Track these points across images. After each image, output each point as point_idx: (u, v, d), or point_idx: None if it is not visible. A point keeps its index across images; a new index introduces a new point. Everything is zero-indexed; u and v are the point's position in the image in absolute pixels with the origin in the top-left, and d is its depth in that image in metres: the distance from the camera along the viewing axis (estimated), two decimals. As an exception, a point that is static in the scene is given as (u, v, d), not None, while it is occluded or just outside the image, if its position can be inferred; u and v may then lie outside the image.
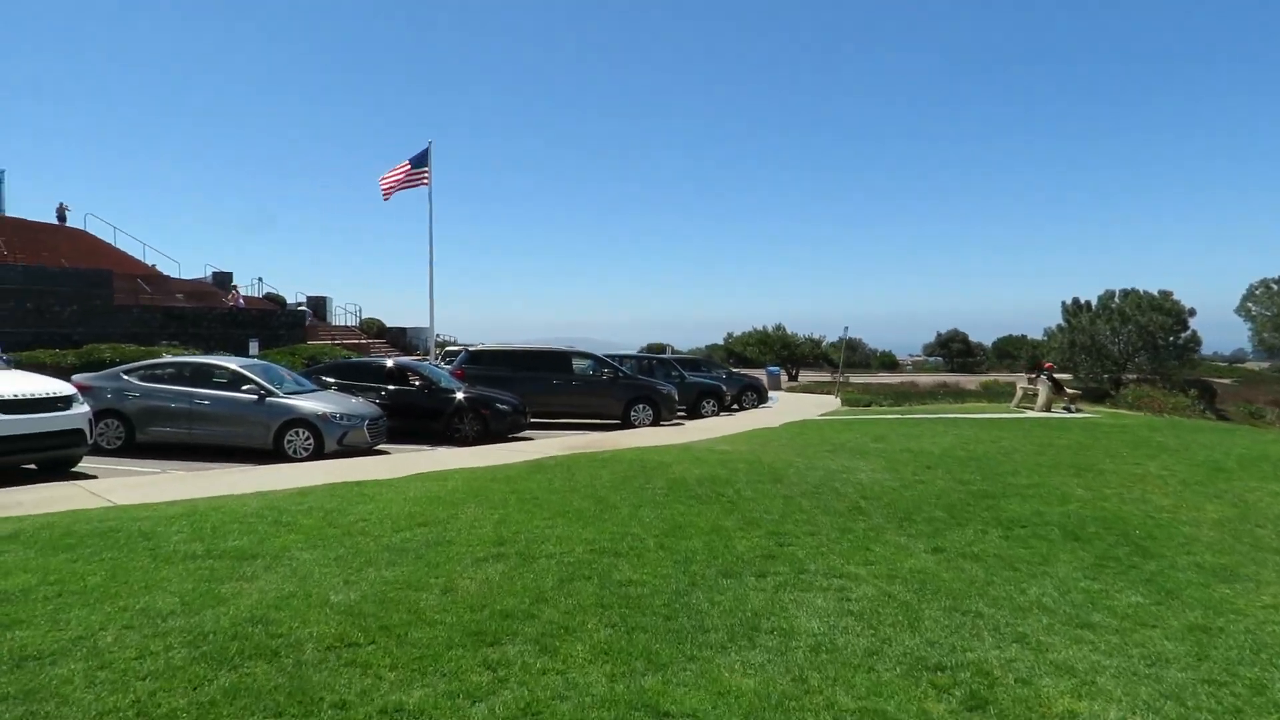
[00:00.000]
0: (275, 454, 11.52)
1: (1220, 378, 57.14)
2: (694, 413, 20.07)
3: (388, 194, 31.23)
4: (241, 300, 31.14)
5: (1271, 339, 68.13)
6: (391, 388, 14.33)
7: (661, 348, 61.90)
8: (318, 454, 11.47)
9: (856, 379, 53.97)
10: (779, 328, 51.76)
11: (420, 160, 32.13)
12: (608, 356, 19.86)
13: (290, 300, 41.56)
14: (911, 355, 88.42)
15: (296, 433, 11.51)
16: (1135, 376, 53.61)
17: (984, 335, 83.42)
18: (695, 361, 25.48)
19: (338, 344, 30.30)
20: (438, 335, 41.85)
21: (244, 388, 11.58)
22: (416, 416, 14.20)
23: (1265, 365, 69.28)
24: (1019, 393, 22.23)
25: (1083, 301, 58.38)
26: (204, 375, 11.97)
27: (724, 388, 21.24)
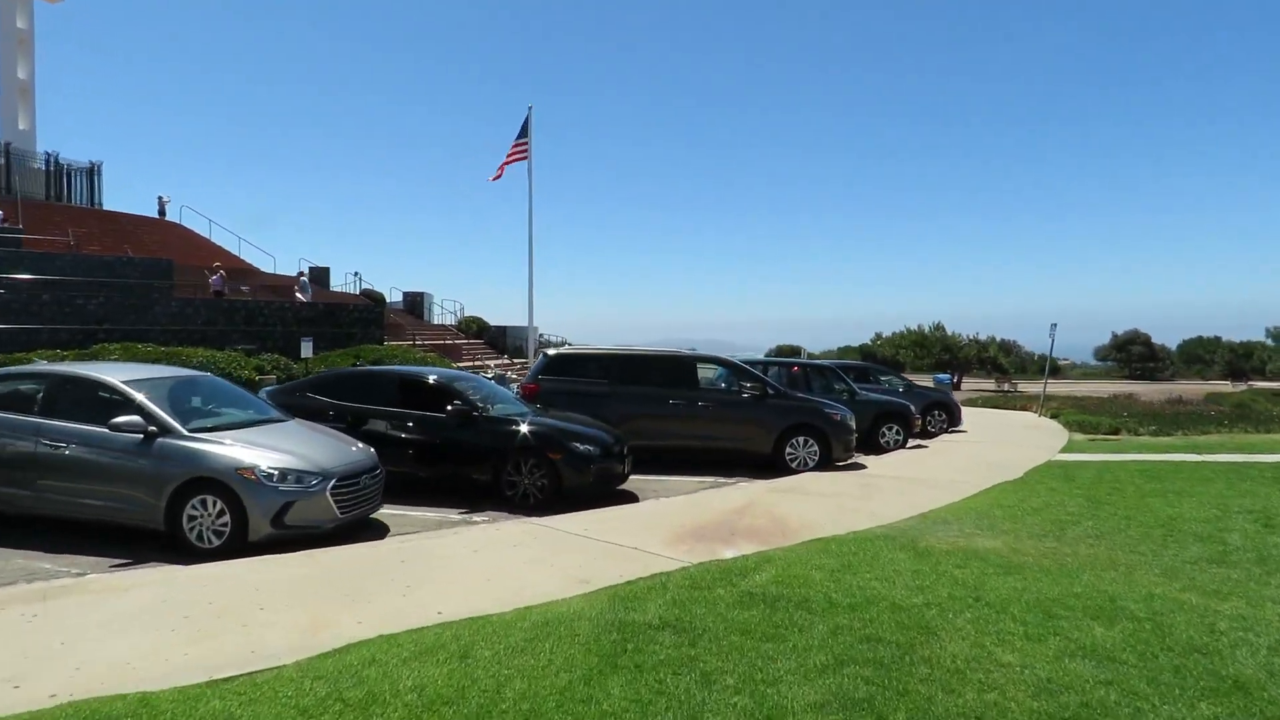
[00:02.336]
0: (172, 539, 6.44)
1: None
2: (869, 443, 13.89)
3: (499, 173, 26.69)
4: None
5: None
6: (413, 414, 9.02)
7: (795, 350, 55.27)
8: (237, 543, 6.28)
9: (1021, 386, 45.39)
10: (938, 327, 44.03)
11: (521, 131, 27.51)
12: (745, 363, 14.04)
13: (390, 298, 38.13)
14: (1059, 359, 76.94)
15: (202, 503, 6.36)
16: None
17: (1162, 337, 71.53)
18: (861, 369, 19.09)
19: (420, 345, 25.88)
20: (543, 335, 37.15)
21: (121, 419, 6.51)
22: (448, 460, 8.86)
23: None
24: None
25: (1322, 295, 47.47)
26: (76, 396, 7.02)
27: (911, 408, 14.91)
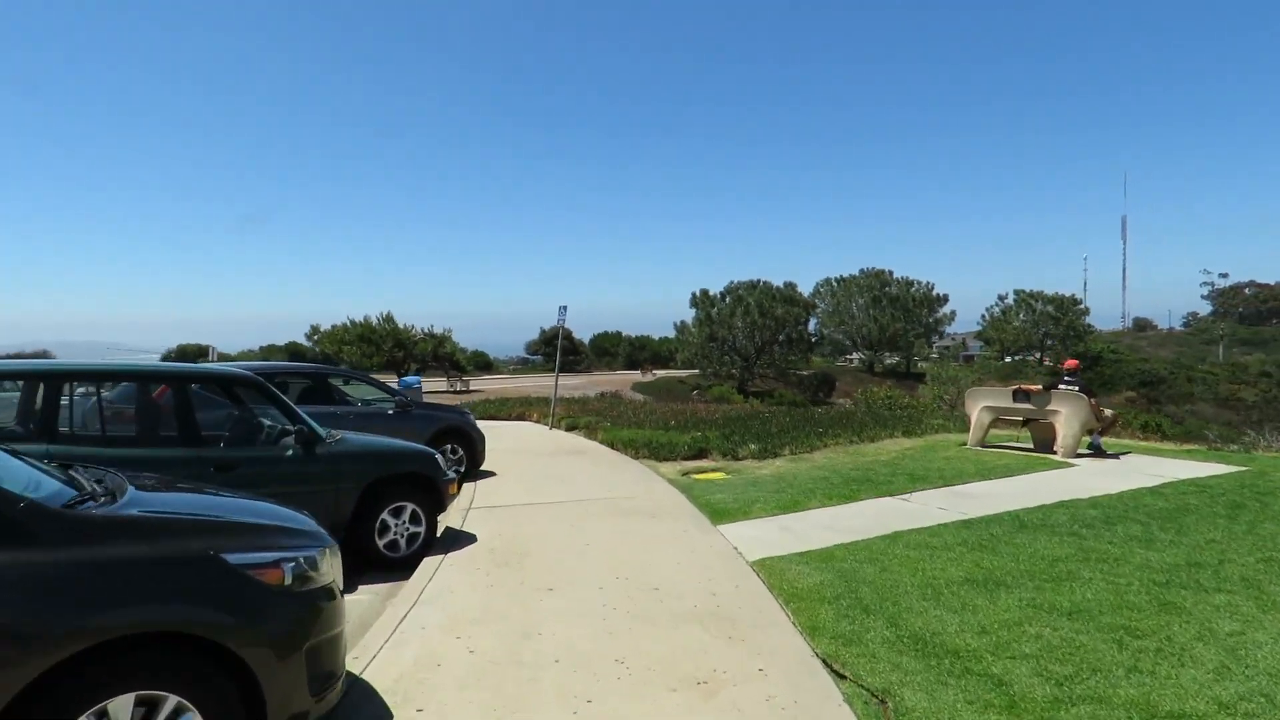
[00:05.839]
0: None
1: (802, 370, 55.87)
2: (355, 547, 5.65)
3: None
4: None
5: (833, 333, 72.89)
6: None
7: (202, 351, 42.32)
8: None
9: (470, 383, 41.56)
10: (388, 318, 36.66)
11: None
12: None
13: None
14: (492, 356, 79.80)
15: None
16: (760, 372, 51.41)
17: (578, 334, 79.13)
18: (319, 377, 10.18)
19: None
20: None
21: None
22: None
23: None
24: (980, 419, 11.81)
25: (712, 294, 55.87)
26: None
27: (438, 458, 7.01)
